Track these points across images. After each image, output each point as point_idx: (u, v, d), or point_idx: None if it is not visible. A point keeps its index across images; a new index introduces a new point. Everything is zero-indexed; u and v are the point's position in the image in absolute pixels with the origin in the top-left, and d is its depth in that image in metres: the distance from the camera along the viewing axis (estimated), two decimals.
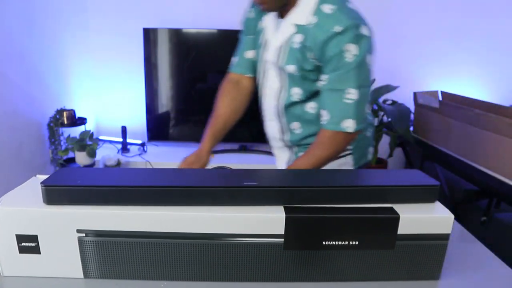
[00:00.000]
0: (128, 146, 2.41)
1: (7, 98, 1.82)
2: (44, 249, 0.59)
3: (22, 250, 0.59)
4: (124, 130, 2.37)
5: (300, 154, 1.03)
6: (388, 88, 1.96)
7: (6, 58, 1.79)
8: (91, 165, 2.25)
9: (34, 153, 2.09)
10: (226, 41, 2.28)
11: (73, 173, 0.63)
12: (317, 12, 0.86)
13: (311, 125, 0.99)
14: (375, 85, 2.00)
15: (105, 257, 0.60)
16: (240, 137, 2.43)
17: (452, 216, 0.61)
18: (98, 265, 0.60)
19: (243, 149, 2.47)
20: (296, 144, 1.05)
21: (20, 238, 0.59)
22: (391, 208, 0.62)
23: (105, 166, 2.24)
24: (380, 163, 2.17)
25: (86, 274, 0.61)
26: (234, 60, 1.10)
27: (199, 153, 1.01)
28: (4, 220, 0.58)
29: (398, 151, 2.47)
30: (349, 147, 1.01)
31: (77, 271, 0.61)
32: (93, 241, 0.59)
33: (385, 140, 2.21)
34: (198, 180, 0.63)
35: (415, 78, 2.47)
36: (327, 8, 0.85)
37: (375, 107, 2.04)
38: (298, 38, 0.89)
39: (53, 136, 2.18)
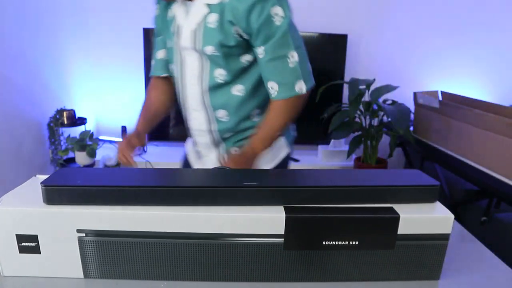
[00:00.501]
0: None
1: (7, 98, 1.82)
2: (44, 249, 0.59)
3: (22, 250, 0.59)
4: (124, 130, 2.37)
5: (231, 149, 1.02)
6: (388, 88, 1.96)
7: (6, 58, 1.79)
8: (91, 165, 2.25)
9: (34, 153, 2.09)
10: None
11: (73, 173, 0.63)
12: None
13: (238, 111, 0.97)
14: (375, 85, 2.00)
15: (105, 257, 0.60)
16: None
17: (452, 216, 0.61)
18: (98, 265, 0.60)
19: None
20: (223, 137, 1.02)
21: (20, 238, 0.59)
22: (391, 208, 0.62)
23: (105, 166, 2.24)
24: (380, 163, 2.17)
25: (86, 274, 0.61)
26: (152, 63, 1.09)
27: (129, 138, 0.97)
28: (4, 220, 0.58)
29: (398, 151, 2.47)
30: None
31: (77, 271, 0.61)
32: (93, 241, 0.59)
33: (385, 140, 2.21)
34: (198, 180, 0.63)
35: (415, 78, 2.47)
36: None
37: (375, 107, 2.04)
38: (213, 18, 0.87)
39: (53, 136, 2.18)
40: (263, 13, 0.82)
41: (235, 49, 0.89)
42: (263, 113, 0.98)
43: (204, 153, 1.09)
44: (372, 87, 1.99)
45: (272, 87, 0.90)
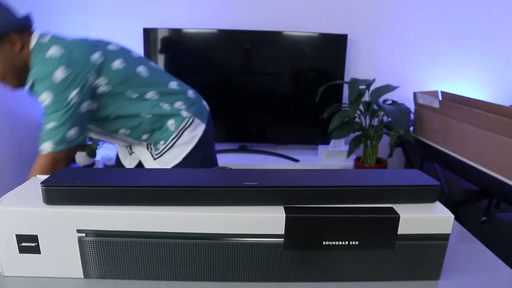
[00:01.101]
0: None
1: (7, 98, 1.82)
2: (44, 249, 0.59)
3: (22, 250, 0.59)
4: None
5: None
6: (388, 88, 1.96)
7: None
8: (91, 165, 2.25)
9: (34, 153, 2.09)
10: (226, 41, 2.28)
11: (73, 173, 0.63)
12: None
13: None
14: (375, 85, 2.00)
15: (105, 257, 0.60)
16: (240, 137, 2.43)
17: (452, 216, 0.61)
18: (98, 265, 0.60)
19: (243, 149, 2.47)
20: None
21: (20, 238, 0.59)
22: (391, 208, 0.62)
23: (105, 166, 2.24)
24: (380, 163, 2.17)
25: (86, 274, 0.61)
26: None
27: None
28: (4, 220, 0.58)
29: (398, 151, 2.47)
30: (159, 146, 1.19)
31: (77, 271, 0.61)
32: (93, 241, 0.59)
33: (385, 140, 2.21)
34: (198, 180, 0.63)
35: (415, 78, 2.47)
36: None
37: (375, 107, 2.04)
38: None
39: None
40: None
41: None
42: (155, 111, 1.15)
43: (136, 151, 1.26)
44: (372, 87, 1.99)
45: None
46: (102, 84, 1.07)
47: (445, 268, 0.64)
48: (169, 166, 1.19)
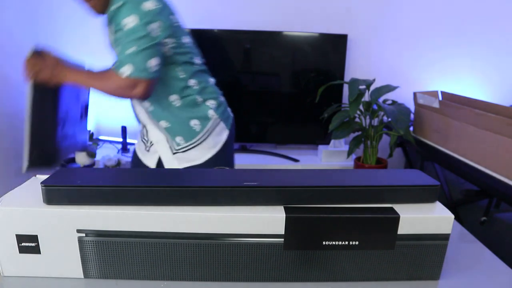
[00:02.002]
0: (128, 146, 2.41)
1: (7, 98, 1.82)
2: (44, 249, 0.59)
3: (22, 250, 0.59)
4: (124, 130, 2.37)
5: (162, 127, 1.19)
6: (388, 88, 1.96)
7: (6, 58, 1.79)
8: (91, 165, 2.25)
9: None
10: (226, 41, 2.29)
11: (73, 173, 0.63)
12: None
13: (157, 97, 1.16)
14: (375, 85, 2.00)
15: (105, 257, 0.60)
16: (240, 137, 2.43)
17: (452, 216, 0.61)
18: (98, 265, 0.60)
19: (243, 149, 2.47)
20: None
21: (20, 238, 0.59)
22: (391, 208, 0.62)
23: (105, 166, 2.24)
24: (380, 163, 2.17)
25: (86, 274, 0.61)
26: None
27: (49, 57, 1.09)
28: (4, 220, 0.58)
29: (398, 151, 2.47)
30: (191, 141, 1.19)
31: (77, 271, 0.61)
32: (93, 241, 0.59)
33: (385, 140, 2.21)
34: (198, 180, 0.63)
35: (415, 78, 2.47)
36: None
37: (375, 107, 2.04)
38: None
39: None
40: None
41: None
42: (183, 96, 1.16)
43: (154, 141, 1.24)
44: (372, 87, 1.99)
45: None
46: (169, 45, 1.08)
47: (445, 268, 0.64)
48: (187, 165, 1.20)
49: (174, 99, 1.15)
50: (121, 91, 1.04)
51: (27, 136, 1.07)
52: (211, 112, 1.19)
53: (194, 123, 1.17)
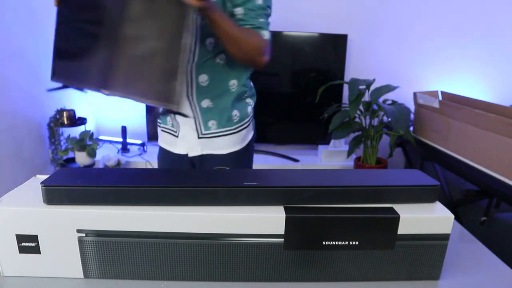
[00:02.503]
0: (128, 146, 2.41)
1: (7, 98, 1.82)
2: (44, 249, 0.59)
3: (22, 250, 0.59)
4: (124, 130, 2.37)
5: (209, 123, 1.14)
6: (388, 88, 1.96)
7: (6, 58, 1.79)
8: (91, 165, 2.25)
9: (34, 153, 2.09)
10: None
11: (73, 173, 0.63)
12: None
13: (217, 79, 1.10)
14: (375, 85, 2.00)
15: (105, 257, 0.60)
16: None
17: (452, 216, 0.61)
18: (98, 265, 0.60)
19: None
20: (200, 105, 1.12)
21: (20, 238, 0.59)
22: (391, 208, 0.62)
23: (105, 166, 2.24)
24: (380, 163, 2.17)
25: (86, 274, 0.61)
26: None
27: None
28: (4, 220, 0.58)
29: (398, 151, 2.47)
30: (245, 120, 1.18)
31: (77, 271, 0.61)
32: (93, 241, 0.59)
33: (385, 140, 2.21)
34: (199, 180, 0.63)
35: (415, 78, 2.47)
36: None
37: (375, 107, 2.04)
38: None
39: (53, 136, 2.18)
40: None
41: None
42: (239, 85, 1.13)
43: (181, 122, 1.16)
44: (372, 87, 1.99)
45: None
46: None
47: (445, 268, 0.64)
48: (210, 152, 1.16)
49: (233, 84, 1.14)
50: (256, 52, 1.03)
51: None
52: (249, 109, 1.20)
53: (235, 113, 1.15)
